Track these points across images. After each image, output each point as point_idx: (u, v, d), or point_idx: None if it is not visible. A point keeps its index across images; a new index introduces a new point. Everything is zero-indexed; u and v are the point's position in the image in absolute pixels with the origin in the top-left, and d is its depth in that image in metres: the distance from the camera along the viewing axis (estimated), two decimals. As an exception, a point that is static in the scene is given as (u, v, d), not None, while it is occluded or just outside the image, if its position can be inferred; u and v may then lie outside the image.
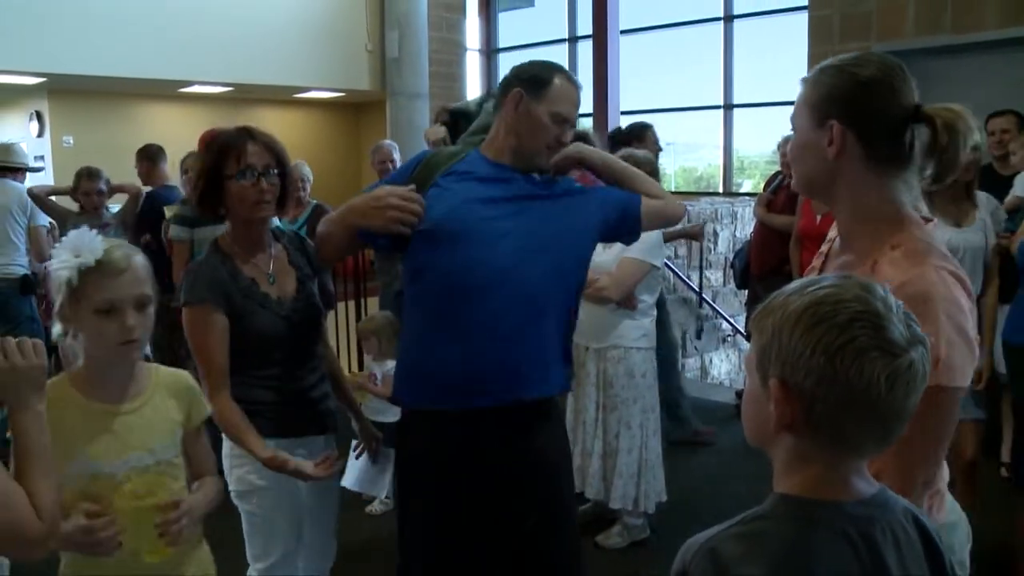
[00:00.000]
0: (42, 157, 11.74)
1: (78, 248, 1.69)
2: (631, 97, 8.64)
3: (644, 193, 2.41)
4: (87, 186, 5.21)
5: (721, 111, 9.64)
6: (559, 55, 10.36)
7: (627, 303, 3.56)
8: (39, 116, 11.61)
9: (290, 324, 2.32)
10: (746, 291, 5.93)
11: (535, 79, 2.29)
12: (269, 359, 2.29)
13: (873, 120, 1.47)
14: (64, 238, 1.74)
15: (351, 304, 5.92)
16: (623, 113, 8.08)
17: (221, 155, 2.27)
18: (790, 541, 1.06)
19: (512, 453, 2.24)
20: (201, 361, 2.22)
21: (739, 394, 5.70)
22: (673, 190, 10.06)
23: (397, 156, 5.66)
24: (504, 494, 2.24)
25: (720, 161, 10.06)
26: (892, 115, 1.46)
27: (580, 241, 2.33)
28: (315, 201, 5.86)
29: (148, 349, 2.13)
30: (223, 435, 2.28)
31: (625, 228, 2.43)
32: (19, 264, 5.23)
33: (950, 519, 1.57)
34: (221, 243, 2.36)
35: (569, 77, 2.32)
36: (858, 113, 1.47)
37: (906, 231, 1.47)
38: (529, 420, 2.26)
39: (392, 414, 4.17)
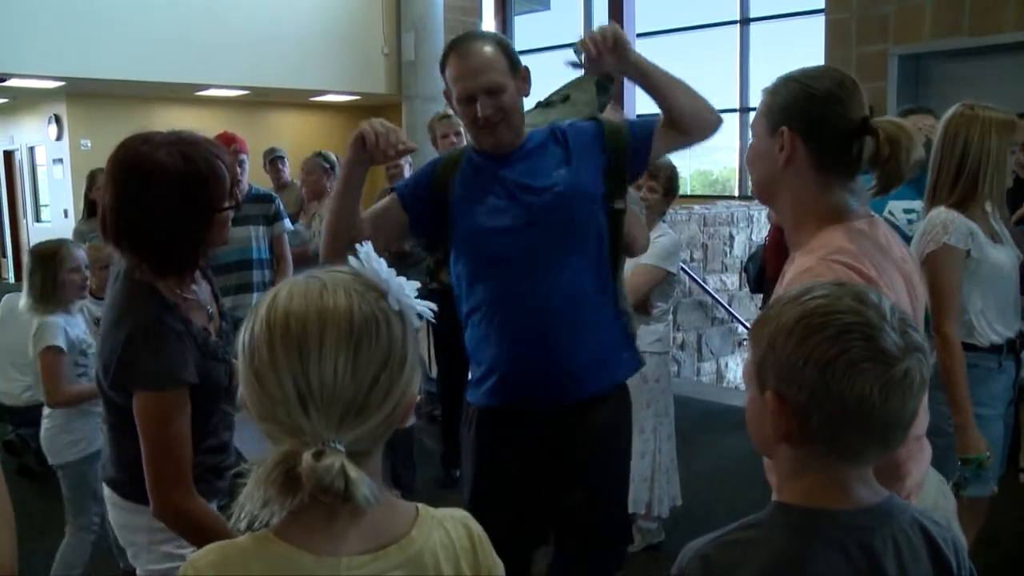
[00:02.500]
0: (61, 160, 11.85)
1: None
2: (647, 99, 8.63)
3: (679, 106, 2.19)
4: (102, 180, 5.19)
5: (737, 114, 9.61)
6: (574, 58, 10.35)
7: (642, 309, 3.55)
8: (57, 119, 11.71)
9: (230, 367, 1.87)
10: (761, 295, 5.90)
11: (441, 69, 2.22)
12: (214, 416, 1.88)
13: (822, 129, 1.54)
14: None
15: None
16: (639, 116, 8.07)
17: (218, 183, 1.78)
18: (782, 550, 1.06)
19: (564, 446, 2.24)
20: (168, 458, 1.71)
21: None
22: (688, 193, 10.04)
23: (405, 160, 5.66)
24: (554, 475, 2.25)
25: (736, 164, 10.03)
26: (840, 126, 1.54)
27: (585, 213, 2.19)
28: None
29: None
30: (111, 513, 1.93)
31: (638, 156, 2.25)
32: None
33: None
34: (160, 287, 1.78)
35: (458, 47, 2.16)
36: (808, 122, 1.54)
37: (824, 232, 1.53)
38: (585, 415, 2.23)
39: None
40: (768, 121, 1.59)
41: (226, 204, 1.79)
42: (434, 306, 1.06)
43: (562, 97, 2.51)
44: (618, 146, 2.23)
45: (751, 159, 1.67)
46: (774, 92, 1.60)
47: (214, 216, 1.77)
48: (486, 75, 2.12)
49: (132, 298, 1.75)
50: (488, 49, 2.14)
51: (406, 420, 1.04)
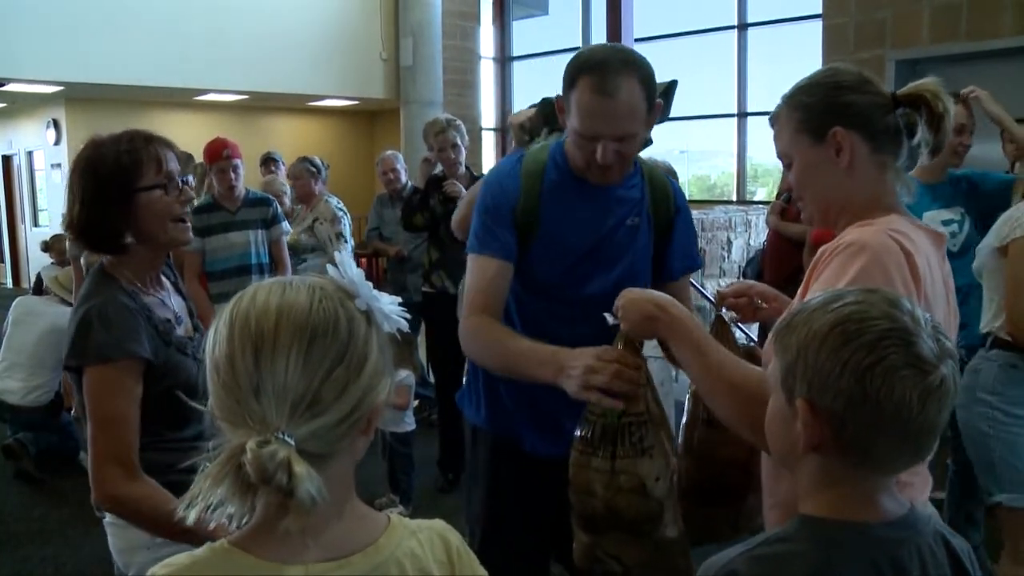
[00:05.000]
0: (59, 164, 11.84)
1: None
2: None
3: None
4: None
5: (735, 119, 9.62)
6: (573, 63, 10.36)
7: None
8: (56, 124, 11.71)
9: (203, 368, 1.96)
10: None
11: (566, 79, 1.89)
12: (190, 417, 1.84)
13: (869, 115, 1.50)
14: None
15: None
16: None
17: (133, 162, 1.80)
18: (813, 565, 1.03)
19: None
20: (109, 434, 1.71)
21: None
22: (686, 198, 10.03)
23: (400, 166, 5.70)
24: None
25: (734, 169, 10.03)
26: (880, 103, 1.51)
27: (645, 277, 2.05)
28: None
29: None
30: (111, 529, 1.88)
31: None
32: (49, 389, 4.96)
33: None
34: (116, 273, 1.85)
35: (600, 77, 1.81)
36: (856, 114, 1.50)
37: (887, 216, 1.48)
38: None
39: (405, 423, 4.18)
40: (807, 132, 1.53)
41: (149, 184, 1.82)
42: (407, 315, 1.05)
43: None
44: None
45: (804, 179, 1.57)
46: (797, 105, 1.54)
47: (136, 196, 1.80)
48: (624, 124, 1.84)
49: (92, 285, 1.84)
50: (634, 91, 1.82)
51: (370, 430, 1.02)
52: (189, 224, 1.91)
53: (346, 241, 5.06)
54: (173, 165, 1.86)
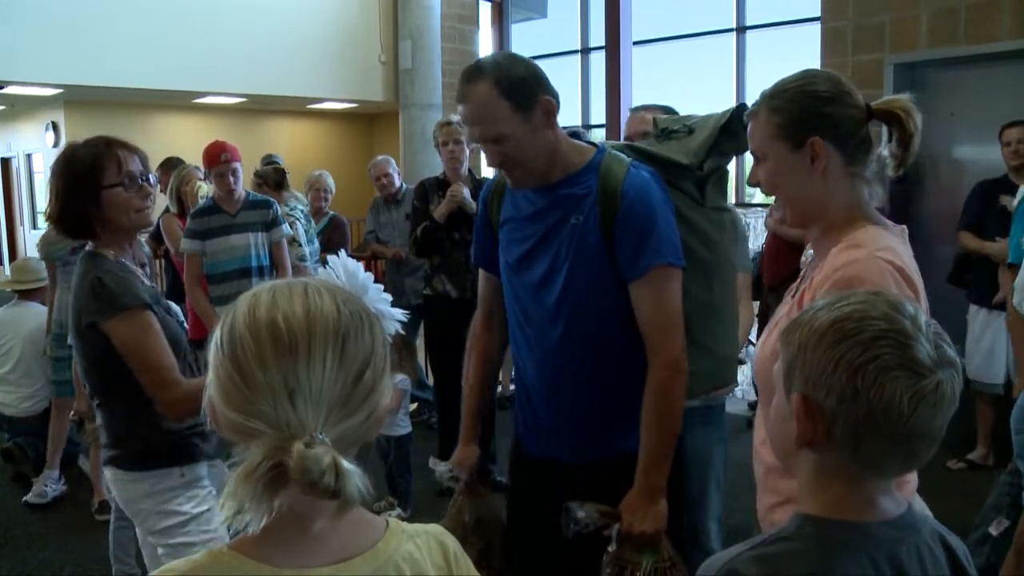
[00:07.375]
0: (58, 167, 11.86)
1: None
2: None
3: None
4: None
5: (734, 122, 9.62)
6: (572, 66, 10.37)
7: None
8: (55, 126, 11.72)
9: (185, 330, 2.30)
10: (758, 302, 5.89)
11: None
12: (184, 373, 2.15)
13: (844, 127, 1.57)
14: None
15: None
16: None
17: (96, 164, 2.11)
18: (813, 565, 1.04)
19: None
20: (152, 364, 2.05)
21: (751, 405, 5.68)
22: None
23: (392, 170, 5.71)
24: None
25: (731, 172, 10.03)
26: (856, 117, 1.57)
27: (598, 282, 2.04)
28: (332, 212, 5.92)
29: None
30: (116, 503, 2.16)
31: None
32: (42, 397, 4.92)
33: None
34: (102, 252, 2.17)
35: (460, 85, 1.98)
36: (832, 125, 1.56)
37: (860, 228, 1.56)
38: (606, 479, 2.04)
39: (400, 428, 4.19)
40: (786, 138, 1.58)
41: (111, 182, 2.11)
42: (402, 317, 1.08)
43: (687, 129, 2.27)
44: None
45: (777, 182, 1.63)
46: (776, 109, 1.59)
47: (101, 192, 2.11)
48: (480, 126, 1.95)
49: (84, 263, 2.14)
50: (484, 93, 1.91)
51: (377, 430, 1.04)
52: (148, 211, 2.22)
53: (300, 245, 5.09)
54: (134, 166, 2.15)
